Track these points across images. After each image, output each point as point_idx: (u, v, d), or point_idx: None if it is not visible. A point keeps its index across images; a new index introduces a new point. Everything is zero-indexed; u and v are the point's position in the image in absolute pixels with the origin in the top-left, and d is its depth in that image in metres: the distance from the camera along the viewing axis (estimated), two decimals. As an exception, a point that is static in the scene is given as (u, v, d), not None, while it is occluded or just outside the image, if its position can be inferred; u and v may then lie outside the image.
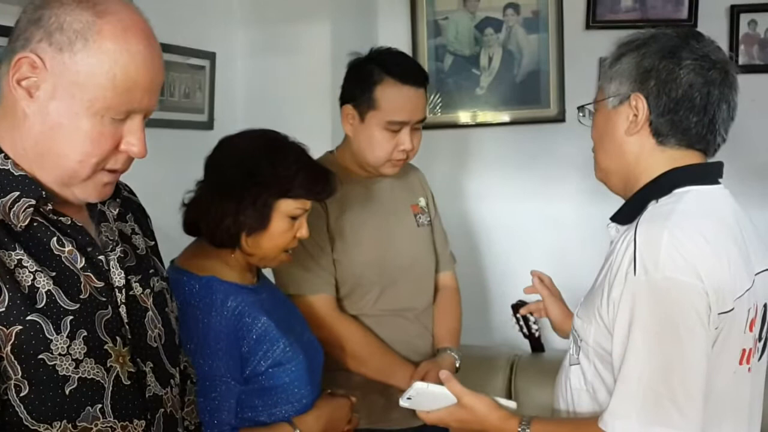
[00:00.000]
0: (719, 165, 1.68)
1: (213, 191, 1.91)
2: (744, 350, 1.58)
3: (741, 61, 3.24)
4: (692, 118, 1.60)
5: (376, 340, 2.35)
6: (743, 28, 3.26)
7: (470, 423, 1.74)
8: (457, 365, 2.43)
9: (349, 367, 2.30)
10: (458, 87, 3.55)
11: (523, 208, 3.51)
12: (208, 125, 3.05)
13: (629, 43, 1.67)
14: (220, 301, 1.85)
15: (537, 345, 3.34)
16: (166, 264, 1.91)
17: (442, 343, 2.48)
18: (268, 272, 2.17)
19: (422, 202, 2.54)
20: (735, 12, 3.25)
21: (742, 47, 3.25)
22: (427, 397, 1.79)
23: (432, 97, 3.49)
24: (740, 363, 1.58)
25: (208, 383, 1.79)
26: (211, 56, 3.04)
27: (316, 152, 2.10)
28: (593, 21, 3.39)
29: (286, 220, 1.92)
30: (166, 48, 2.72)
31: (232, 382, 1.84)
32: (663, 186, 1.62)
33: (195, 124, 2.97)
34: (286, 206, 1.91)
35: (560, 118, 3.43)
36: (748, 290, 1.55)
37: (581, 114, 1.79)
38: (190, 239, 2.01)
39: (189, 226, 1.97)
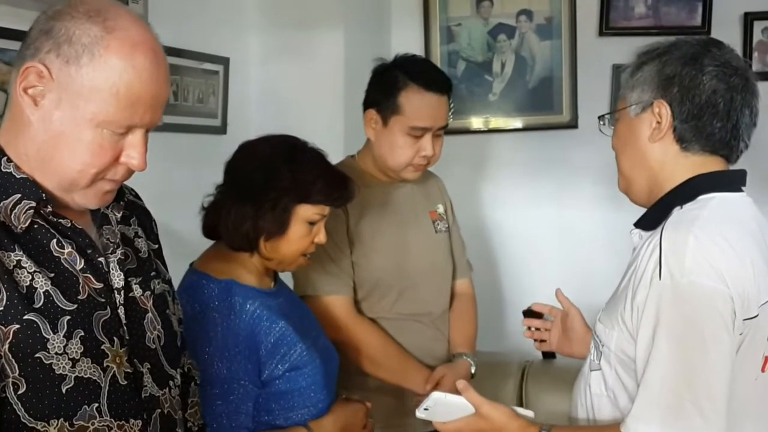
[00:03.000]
0: (743, 173, 1.67)
1: (232, 195, 1.91)
2: (766, 358, 1.58)
3: (755, 68, 3.23)
4: (716, 124, 1.60)
5: (393, 343, 2.35)
6: (757, 36, 3.26)
7: None
8: (473, 371, 2.44)
9: (365, 370, 2.30)
10: (471, 93, 3.55)
11: (535, 214, 3.51)
12: (222, 130, 3.06)
13: (650, 51, 1.67)
14: (239, 304, 1.86)
15: (548, 352, 3.32)
16: (184, 266, 1.92)
17: (458, 349, 2.49)
18: (287, 274, 2.18)
19: (440, 208, 2.55)
20: (749, 19, 3.25)
21: (755, 54, 3.26)
22: (444, 407, 1.77)
23: (445, 102, 3.49)
24: (762, 370, 1.58)
25: (227, 386, 1.80)
26: (224, 61, 3.04)
27: (329, 158, 2.10)
28: (606, 27, 3.40)
29: (305, 226, 1.92)
30: (180, 53, 2.75)
31: (250, 385, 1.84)
32: (688, 192, 1.61)
33: (208, 128, 2.98)
34: (305, 212, 1.91)
35: (573, 124, 3.43)
36: None
37: (602, 123, 1.79)
38: (203, 242, 2.02)
39: (208, 230, 1.98)
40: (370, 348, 2.30)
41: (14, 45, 2.15)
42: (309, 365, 1.91)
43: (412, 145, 2.29)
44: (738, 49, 3.15)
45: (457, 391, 1.77)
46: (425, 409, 1.79)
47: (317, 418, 1.94)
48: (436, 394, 1.79)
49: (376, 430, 2.16)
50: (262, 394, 1.87)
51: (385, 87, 2.31)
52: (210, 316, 1.82)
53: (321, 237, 1.96)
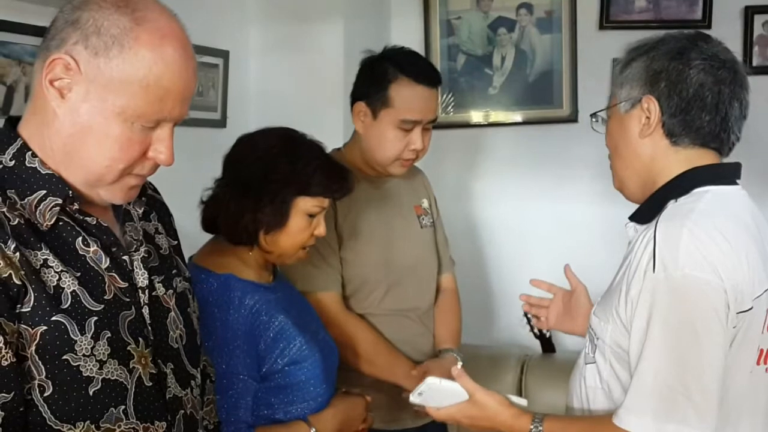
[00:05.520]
0: (737, 165, 1.68)
1: (231, 189, 1.91)
2: (762, 350, 1.58)
3: (755, 62, 3.24)
4: (704, 117, 1.61)
5: (382, 339, 2.35)
6: (757, 29, 3.25)
7: (482, 420, 1.74)
8: (460, 366, 2.41)
9: (356, 367, 2.29)
10: (471, 86, 3.55)
11: (534, 208, 3.51)
12: (221, 123, 3.05)
13: (638, 48, 1.68)
14: (237, 299, 1.86)
15: (548, 345, 3.34)
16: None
17: (444, 344, 2.48)
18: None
19: (425, 203, 2.55)
20: (749, 13, 3.25)
21: (756, 48, 3.25)
22: (438, 392, 1.78)
23: (444, 96, 3.49)
24: (757, 363, 1.58)
25: (226, 381, 1.79)
26: (224, 54, 3.03)
27: (328, 151, 2.10)
28: (607, 21, 3.39)
29: (304, 218, 1.92)
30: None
31: (249, 379, 1.84)
32: (682, 185, 1.62)
33: (208, 122, 2.97)
34: (305, 204, 1.91)
35: (573, 118, 3.43)
36: (766, 290, 1.56)
37: (594, 120, 1.80)
38: (203, 236, 2.01)
39: (207, 224, 1.97)
40: (360, 344, 2.29)
41: (14, 38, 2.16)
42: (308, 359, 1.91)
43: (402, 138, 2.28)
44: (738, 43, 3.21)
45: (451, 377, 1.77)
46: (419, 394, 1.79)
47: (317, 412, 1.94)
48: (430, 380, 1.79)
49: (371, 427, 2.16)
50: (262, 388, 1.87)
51: (374, 79, 2.29)
52: (209, 310, 1.81)
53: (321, 229, 1.96)
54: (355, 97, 2.35)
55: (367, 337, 2.32)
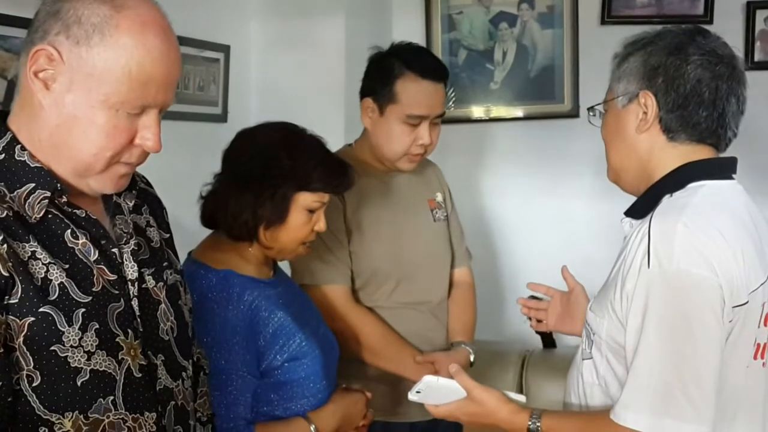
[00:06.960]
0: (733, 160, 1.68)
1: (231, 184, 1.90)
2: (759, 345, 1.58)
3: (757, 57, 3.24)
4: (702, 113, 1.60)
5: (391, 331, 2.35)
6: (759, 25, 3.25)
7: (480, 416, 1.74)
8: (472, 359, 2.44)
9: (363, 359, 2.30)
10: (472, 82, 3.55)
11: (535, 203, 3.51)
12: (222, 118, 3.05)
13: (636, 42, 1.68)
14: (237, 295, 1.85)
15: (548, 341, 3.34)
16: (183, 256, 1.91)
17: (457, 337, 2.49)
18: (284, 263, 2.17)
19: (439, 197, 2.55)
20: (751, 8, 3.24)
21: (758, 44, 3.24)
22: (436, 390, 1.79)
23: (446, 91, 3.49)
24: (754, 357, 1.58)
25: (225, 377, 1.79)
26: (225, 49, 3.04)
27: (328, 146, 2.10)
28: (608, 16, 3.39)
29: (304, 213, 1.91)
30: (181, 40, 2.67)
31: (249, 376, 1.84)
32: (677, 180, 1.62)
33: (209, 116, 2.98)
34: (305, 199, 1.90)
35: (574, 113, 3.42)
36: (762, 284, 1.56)
37: (591, 114, 1.80)
38: (204, 231, 2.01)
39: (207, 219, 1.97)
40: (368, 336, 2.30)
41: (14, 32, 2.16)
42: (308, 355, 1.91)
43: (409, 133, 2.29)
44: (740, 38, 3.20)
45: (450, 376, 1.78)
46: (417, 392, 1.80)
47: (317, 408, 1.94)
48: (428, 378, 1.80)
49: (374, 420, 2.16)
50: (261, 384, 1.87)
51: (381, 75, 2.30)
52: (208, 306, 1.81)
53: (321, 225, 1.95)
54: (363, 93, 2.36)
55: (376, 329, 2.32)
